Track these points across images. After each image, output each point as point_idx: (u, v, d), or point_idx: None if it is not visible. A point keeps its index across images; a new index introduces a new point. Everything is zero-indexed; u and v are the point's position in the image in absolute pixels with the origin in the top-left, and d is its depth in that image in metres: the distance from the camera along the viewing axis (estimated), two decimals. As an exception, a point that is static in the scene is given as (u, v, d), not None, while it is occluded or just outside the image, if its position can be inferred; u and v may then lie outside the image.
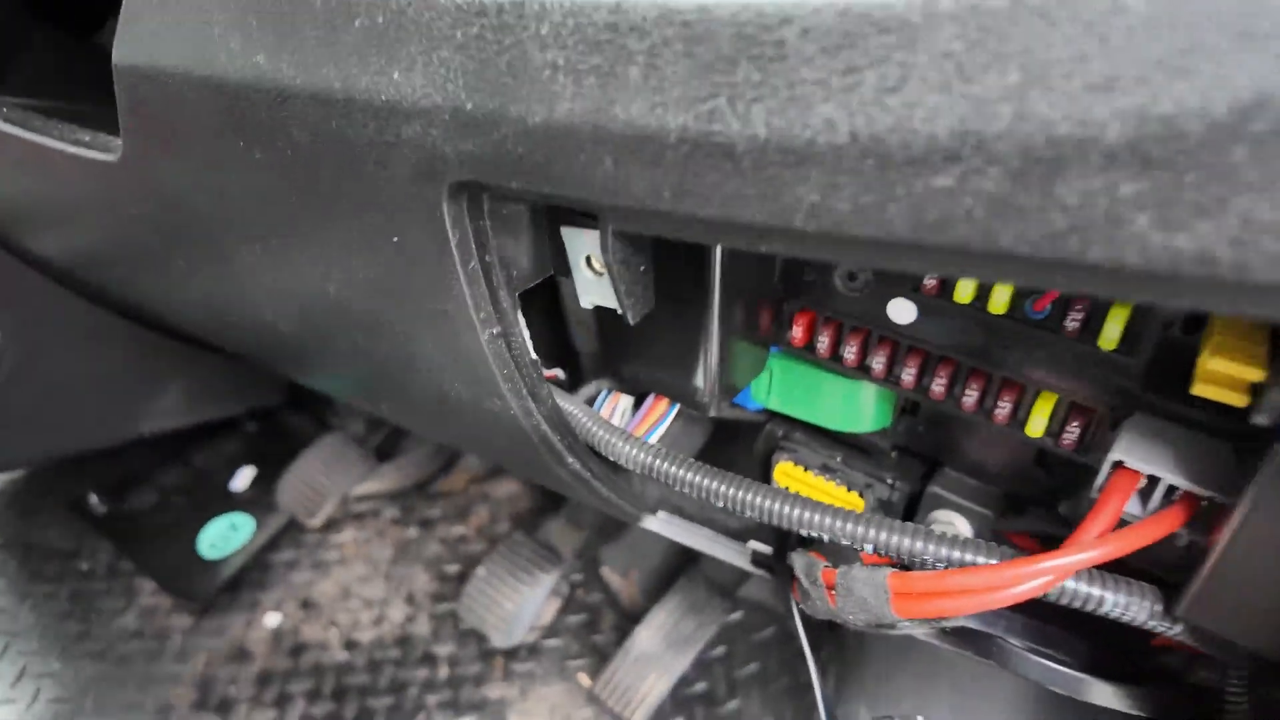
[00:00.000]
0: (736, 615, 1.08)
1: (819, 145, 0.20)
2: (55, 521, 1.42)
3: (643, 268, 0.31)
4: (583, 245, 0.31)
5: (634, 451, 0.41)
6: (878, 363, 0.41)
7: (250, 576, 1.34)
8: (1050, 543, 0.36)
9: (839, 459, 0.51)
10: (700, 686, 1.04)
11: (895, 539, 0.34)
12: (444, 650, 1.19)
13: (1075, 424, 0.36)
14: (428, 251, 0.31)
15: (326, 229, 0.34)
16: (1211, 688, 0.36)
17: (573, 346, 0.52)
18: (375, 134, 0.28)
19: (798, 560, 0.40)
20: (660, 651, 1.04)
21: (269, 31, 0.30)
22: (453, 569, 1.35)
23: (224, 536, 1.40)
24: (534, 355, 0.36)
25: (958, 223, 0.19)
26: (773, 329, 0.45)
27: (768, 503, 0.38)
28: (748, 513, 0.38)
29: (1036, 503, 0.45)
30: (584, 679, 1.10)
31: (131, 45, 0.36)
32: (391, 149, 0.28)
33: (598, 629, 1.14)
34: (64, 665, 1.18)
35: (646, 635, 1.05)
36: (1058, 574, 0.31)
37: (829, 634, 0.68)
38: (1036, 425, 0.37)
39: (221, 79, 0.32)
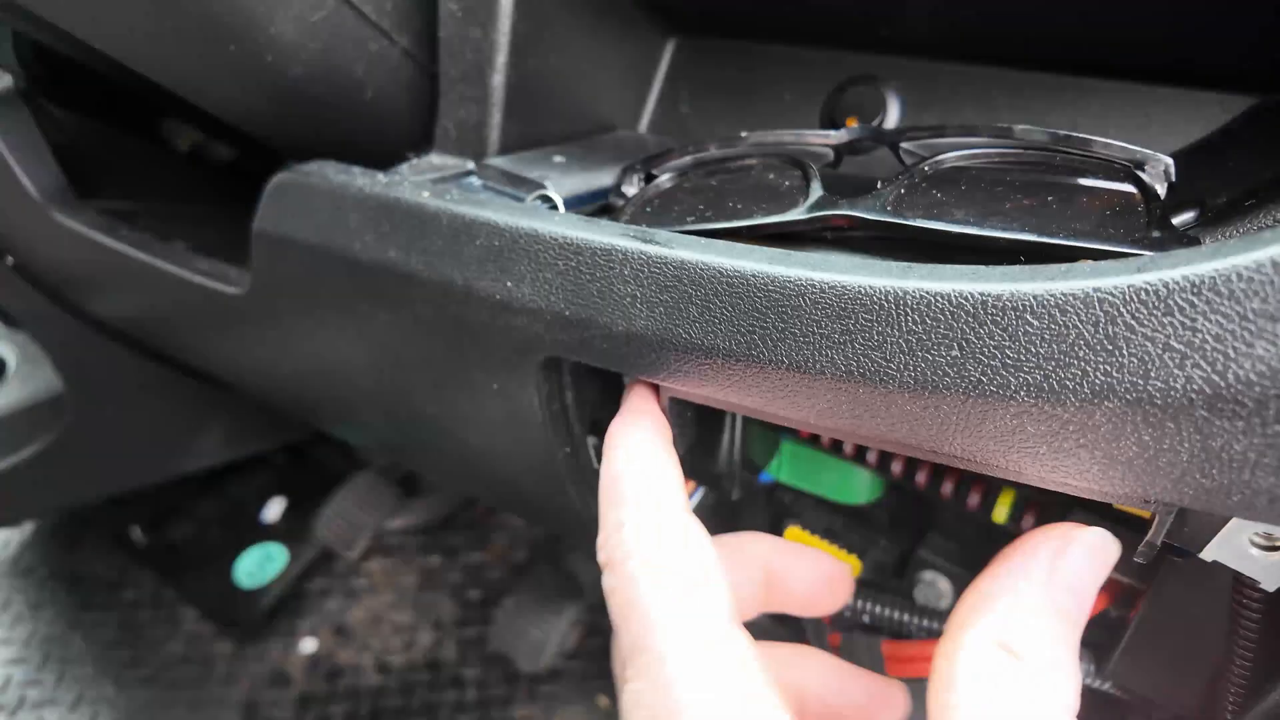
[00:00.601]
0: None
1: (825, 375, 0.29)
2: (99, 553, 1.49)
3: (689, 414, 0.39)
4: (639, 390, 0.40)
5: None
6: (871, 456, 0.50)
7: (286, 604, 1.41)
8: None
9: (840, 524, 0.60)
10: (713, 707, 1.12)
11: (888, 612, 0.43)
12: (471, 673, 1.27)
13: (1030, 515, 0.45)
14: (519, 397, 0.40)
15: (434, 371, 0.43)
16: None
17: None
18: (489, 319, 0.37)
19: (809, 626, 0.49)
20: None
21: (401, 234, 0.39)
22: (475, 595, 1.42)
23: (260, 566, 1.47)
24: (595, 465, 0.45)
25: (922, 432, 0.28)
26: (784, 422, 0.54)
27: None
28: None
29: (1006, 566, 0.54)
30: (603, 700, 1.19)
31: (272, 218, 0.45)
32: (500, 331, 0.37)
33: (616, 653, 1.22)
34: (118, 690, 1.25)
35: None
36: (1013, 644, 0.40)
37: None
38: (1000, 514, 0.46)
39: (355, 259, 0.41)
